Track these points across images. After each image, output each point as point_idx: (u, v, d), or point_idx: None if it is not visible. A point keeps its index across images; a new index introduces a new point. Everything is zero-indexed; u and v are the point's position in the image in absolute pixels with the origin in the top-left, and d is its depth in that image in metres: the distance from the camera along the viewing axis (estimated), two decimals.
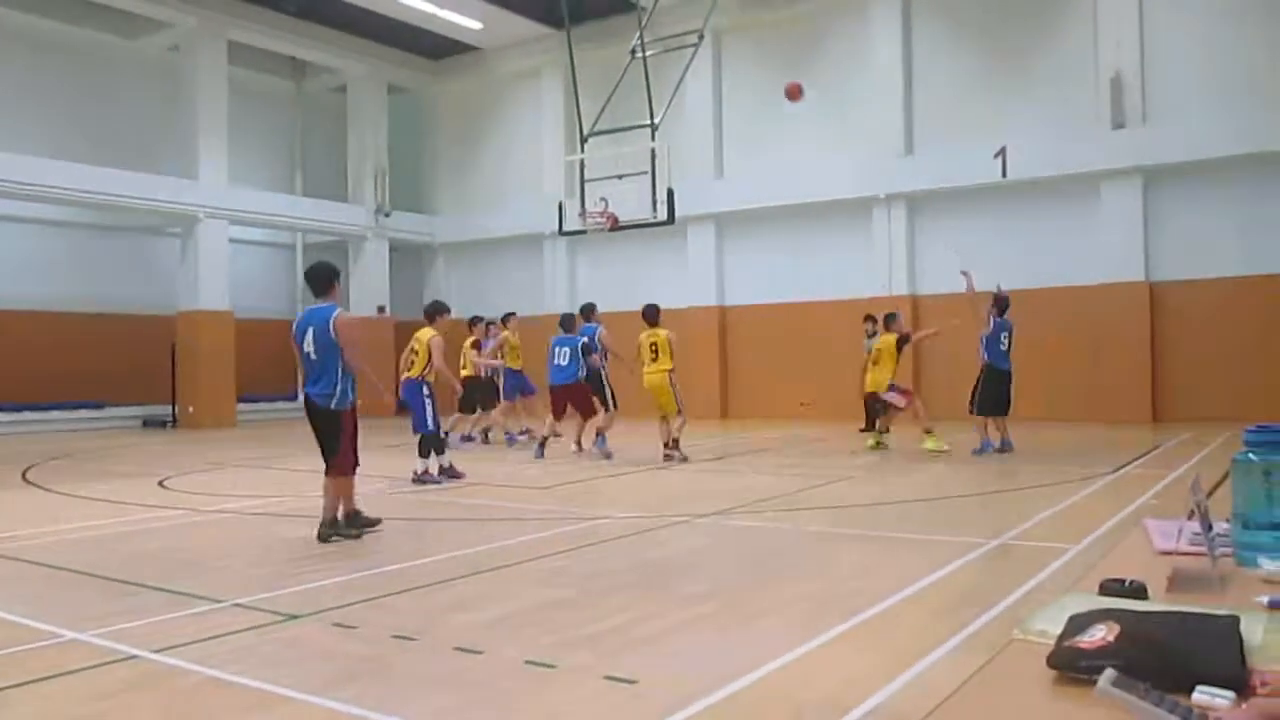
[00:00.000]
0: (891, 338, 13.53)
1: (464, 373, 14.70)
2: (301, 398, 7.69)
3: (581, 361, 12.94)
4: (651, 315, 12.90)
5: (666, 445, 12.46)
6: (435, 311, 11.14)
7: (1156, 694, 0.88)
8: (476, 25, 22.89)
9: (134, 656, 4.32)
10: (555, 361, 13.02)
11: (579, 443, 13.49)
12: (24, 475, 12.11)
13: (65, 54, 21.41)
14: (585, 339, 13.27)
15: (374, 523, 7.66)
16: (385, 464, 13.10)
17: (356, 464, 7.58)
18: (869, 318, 17.29)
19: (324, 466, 7.43)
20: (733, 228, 21.79)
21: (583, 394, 13.02)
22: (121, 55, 22.45)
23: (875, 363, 13.58)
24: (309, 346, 7.36)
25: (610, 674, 3.97)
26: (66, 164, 19.37)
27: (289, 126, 26.07)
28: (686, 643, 4.51)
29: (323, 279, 7.63)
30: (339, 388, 7.38)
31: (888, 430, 13.65)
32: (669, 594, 5.51)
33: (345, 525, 7.44)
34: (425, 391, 10.64)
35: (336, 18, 22.77)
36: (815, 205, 20.44)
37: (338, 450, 7.39)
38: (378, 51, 24.71)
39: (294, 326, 7.62)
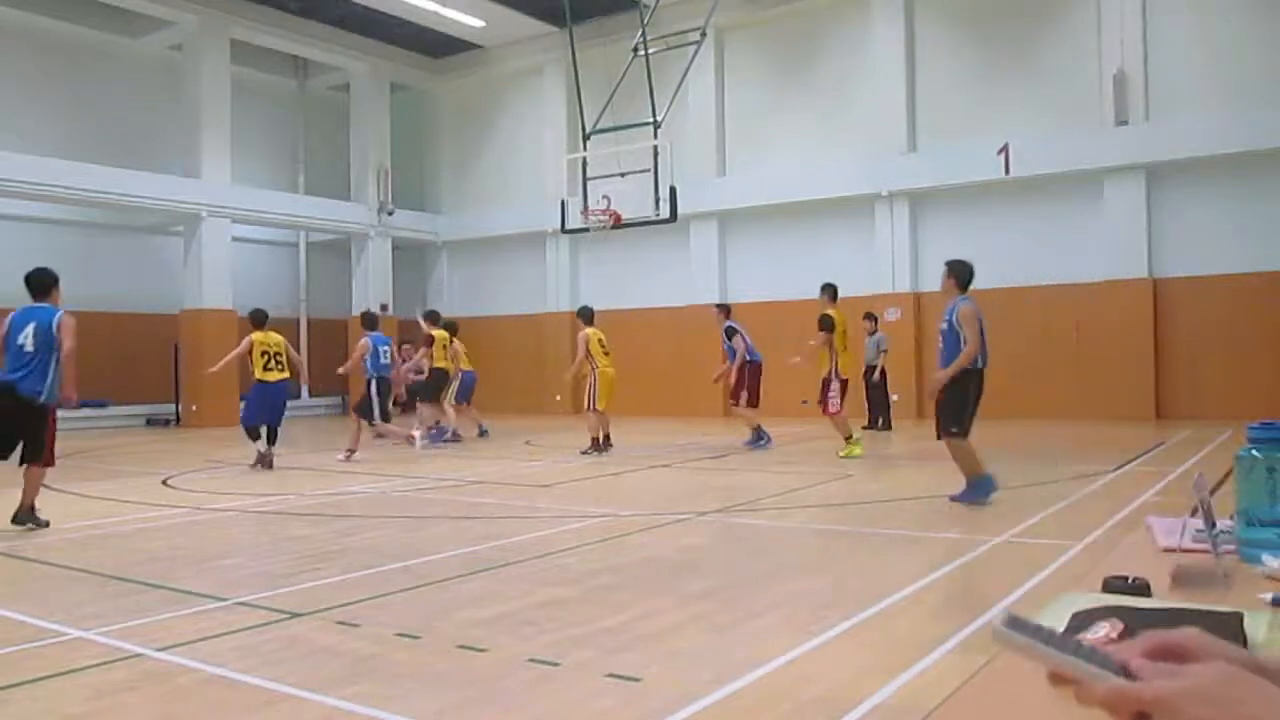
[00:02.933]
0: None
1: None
2: None
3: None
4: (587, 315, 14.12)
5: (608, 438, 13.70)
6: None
7: (1047, 631, 0.87)
8: (479, 23, 22.89)
9: (137, 655, 4.32)
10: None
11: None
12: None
13: (67, 53, 21.41)
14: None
15: (43, 524, 7.89)
16: (383, 464, 13.13)
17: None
18: (869, 315, 17.29)
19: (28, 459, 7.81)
20: (735, 225, 21.78)
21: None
22: (124, 54, 22.46)
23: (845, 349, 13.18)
24: (25, 341, 7.67)
25: (613, 672, 3.97)
26: (69, 163, 19.37)
27: (291, 125, 26.07)
28: (688, 641, 4.51)
29: (44, 284, 8.12)
30: (50, 384, 7.76)
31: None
32: (670, 592, 5.51)
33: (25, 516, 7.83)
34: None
35: (339, 16, 22.78)
36: (817, 203, 20.43)
37: (44, 444, 7.81)
38: (380, 50, 24.72)
39: (7, 322, 7.89)
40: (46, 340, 7.68)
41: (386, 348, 13.96)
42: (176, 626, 4.82)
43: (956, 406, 8.35)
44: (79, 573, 6.21)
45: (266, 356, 12.52)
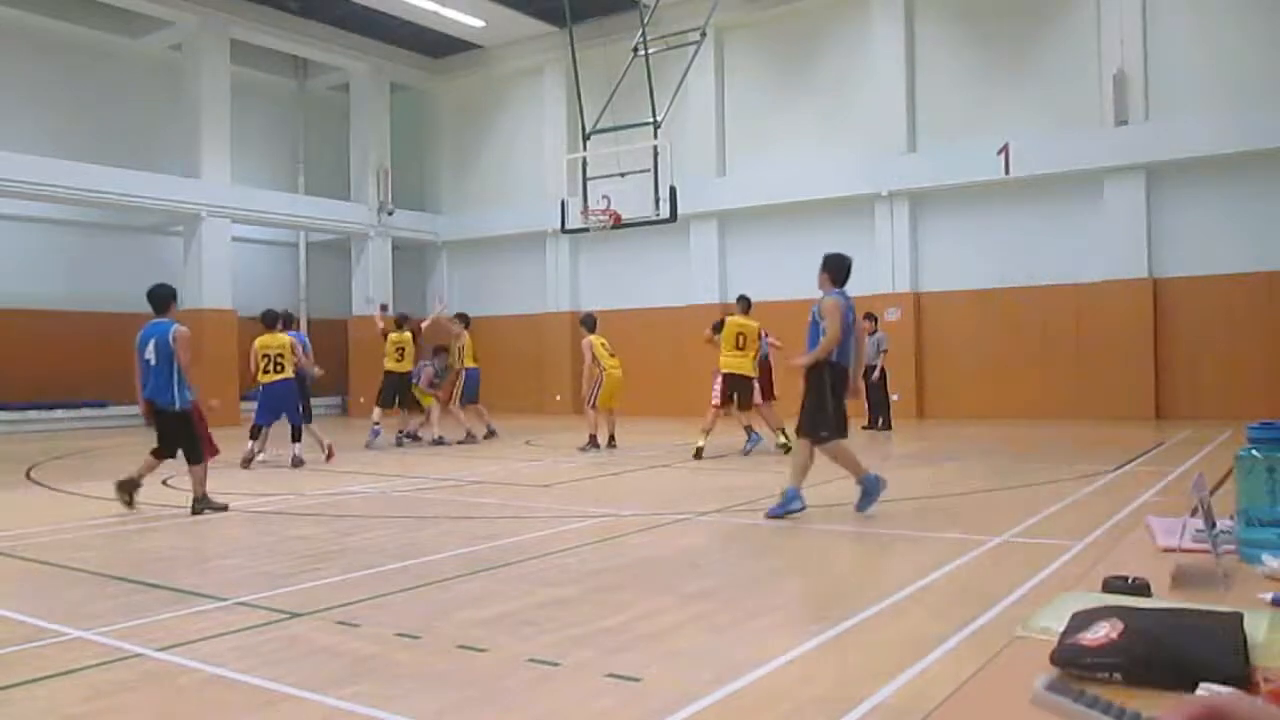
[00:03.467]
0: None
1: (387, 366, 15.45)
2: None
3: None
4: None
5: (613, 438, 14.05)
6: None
7: (1091, 696, 0.87)
8: (479, 23, 22.89)
9: (137, 655, 4.32)
10: None
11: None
12: (28, 474, 12.13)
13: (67, 52, 21.40)
14: None
15: (220, 507, 8.72)
16: (384, 464, 13.14)
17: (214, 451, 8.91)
18: (869, 315, 17.27)
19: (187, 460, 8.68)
20: (735, 225, 21.78)
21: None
22: (124, 54, 22.45)
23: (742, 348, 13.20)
24: (150, 356, 8.47)
25: (613, 672, 3.97)
26: (69, 163, 19.38)
27: (291, 125, 26.06)
28: (688, 641, 4.51)
29: (163, 299, 8.84)
30: (178, 392, 8.54)
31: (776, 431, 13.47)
32: (670, 592, 5.51)
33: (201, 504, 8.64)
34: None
35: (339, 16, 22.78)
36: (817, 203, 20.43)
37: (196, 444, 8.67)
38: (380, 50, 24.71)
39: (138, 338, 8.69)
40: (166, 353, 8.43)
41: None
42: (176, 626, 4.82)
43: (816, 408, 7.88)
44: (79, 573, 6.21)
45: (267, 359, 12.69)
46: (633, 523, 7.92)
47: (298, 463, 12.46)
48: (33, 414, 19.94)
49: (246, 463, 12.38)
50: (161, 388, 8.44)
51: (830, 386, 7.89)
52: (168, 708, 3.75)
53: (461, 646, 4.38)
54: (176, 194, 20.99)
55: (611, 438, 13.83)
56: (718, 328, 13.23)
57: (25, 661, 4.29)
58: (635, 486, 10.48)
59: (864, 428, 16.81)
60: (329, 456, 12.91)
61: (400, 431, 15.64)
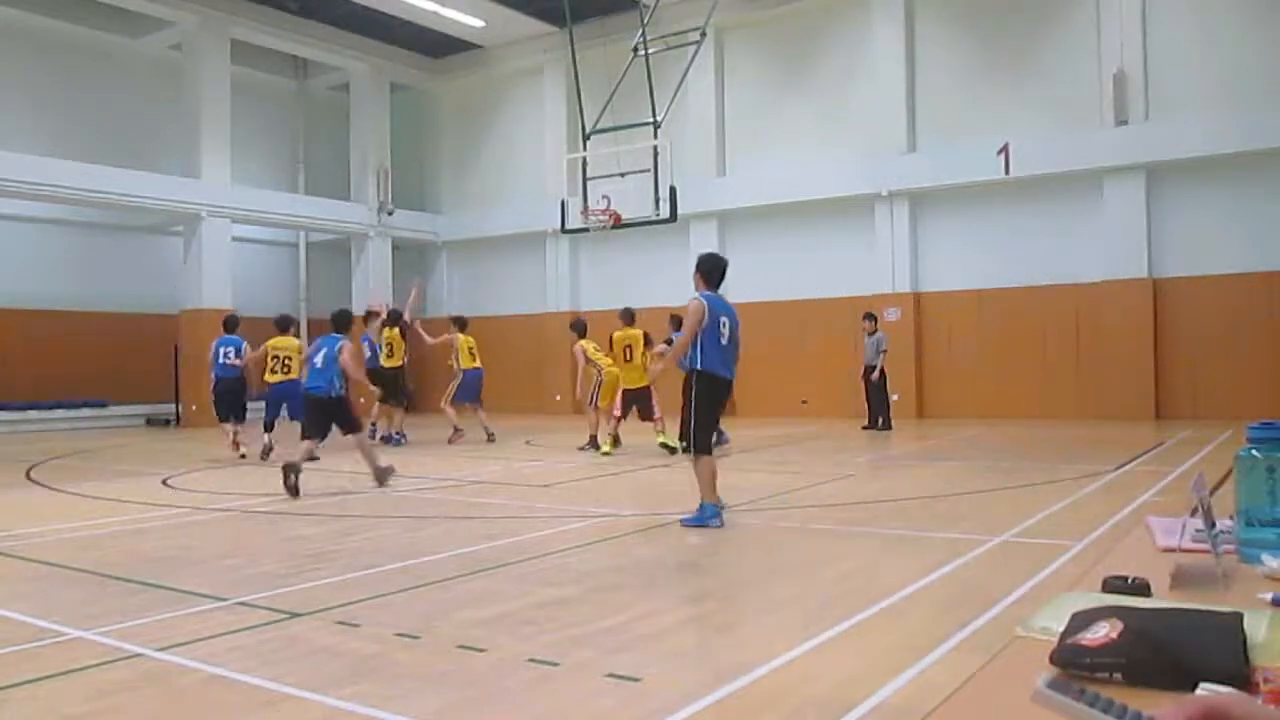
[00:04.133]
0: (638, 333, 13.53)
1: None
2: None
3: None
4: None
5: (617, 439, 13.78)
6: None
7: (1092, 694, 0.87)
8: (479, 23, 22.89)
9: (137, 655, 4.32)
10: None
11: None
12: (28, 474, 12.13)
13: (67, 52, 21.41)
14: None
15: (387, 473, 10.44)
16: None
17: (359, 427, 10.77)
18: (869, 315, 17.30)
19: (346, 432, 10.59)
20: (735, 225, 21.79)
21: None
22: (124, 54, 22.46)
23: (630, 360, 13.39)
24: (318, 360, 10.58)
25: (613, 672, 3.97)
26: (69, 163, 19.38)
27: (291, 125, 26.07)
28: (688, 641, 4.51)
29: (343, 322, 11.39)
30: (334, 383, 10.54)
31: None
32: (670, 592, 5.51)
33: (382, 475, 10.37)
34: None
35: (338, 16, 22.78)
36: (817, 203, 20.44)
37: (350, 418, 10.71)
38: (380, 50, 24.71)
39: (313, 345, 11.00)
40: (332, 360, 10.55)
41: (229, 349, 13.95)
42: (176, 626, 4.82)
43: (685, 419, 7.56)
44: (79, 573, 6.21)
45: (276, 360, 13.51)
46: (633, 523, 7.92)
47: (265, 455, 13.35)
48: (32, 414, 19.94)
49: (266, 453, 13.37)
50: (324, 384, 10.46)
51: (697, 396, 7.48)
52: (168, 708, 3.75)
53: (461, 646, 4.38)
54: (176, 194, 20.99)
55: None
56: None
57: (26, 661, 4.29)
58: (635, 486, 10.48)
59: (864, 427, 16.82)
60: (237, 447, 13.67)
61: (393, 431, 15.66)
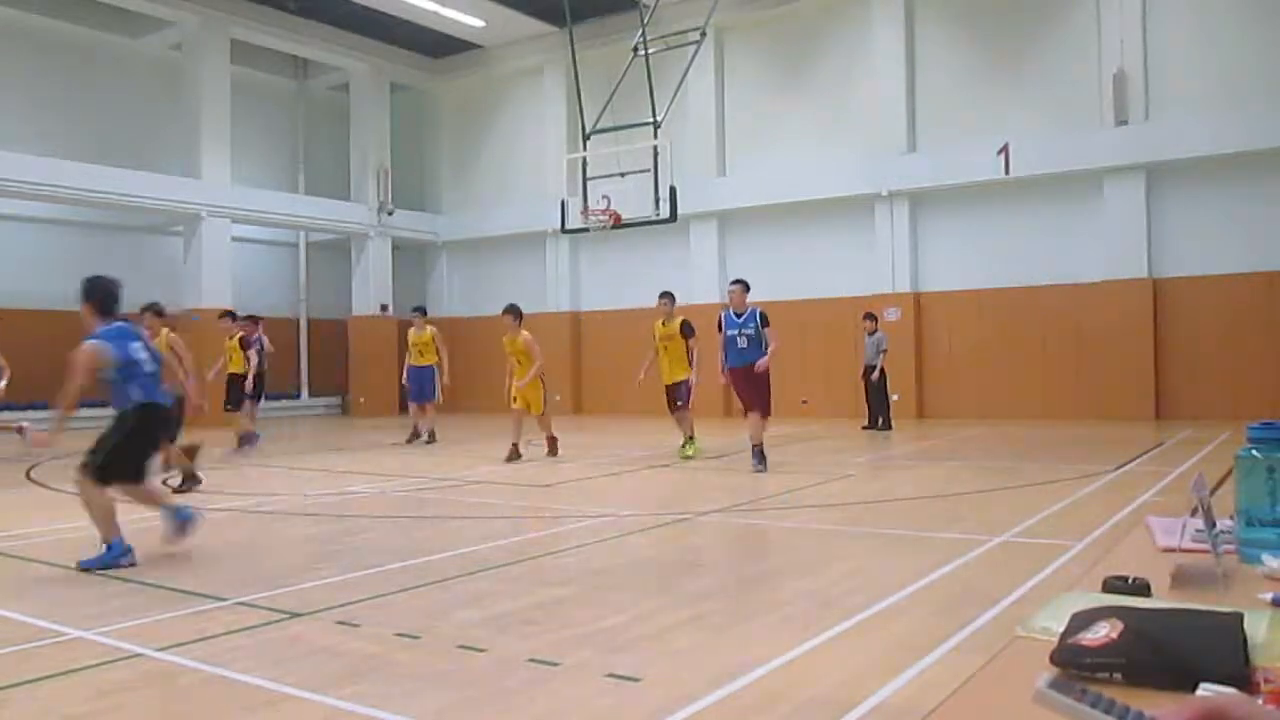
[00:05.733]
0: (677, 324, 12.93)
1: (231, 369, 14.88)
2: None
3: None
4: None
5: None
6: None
7: (1093, 694, 0.87)
8: (479, 23, 22.89)
9: (137, 655, 4.32)
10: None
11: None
12: (28, 474, 12.13)
13: (67, 52, 21.40)
14: None
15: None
16: (383, 464, 13.15)
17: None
18: (869, 315, 17.30)
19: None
20: (735, 225, 21.79)
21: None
22: (124, 54, 22.45)
23: (665, 349, 12.89)
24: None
25: (612, 672, 3.97)
26: (69, 163, 19.36)
27: (291, 125, 26.07)
28: (688, 641, 4.51)
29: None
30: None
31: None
32: (670, 592, 5.51)
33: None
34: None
35: (338, 16, 22.78)
36: (817, 203, 20.45)
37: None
38: (379, 49, 24.71)
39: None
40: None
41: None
42: (176, 626, 4.82)
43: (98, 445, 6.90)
44: (80, 573, 6.21)
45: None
46: (633, 523, 7.92)
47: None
48: (32, 414, 19.89)
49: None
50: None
51: (130, 429, 6.95)
52: (168, 708, 3.76)
53: (461, 646, 4.38)
54: (177, 194, 20.98)
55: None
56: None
57: (26, 661, 4.29)
58: (635, 487, 10.48)
59: (864, 427, 16.83)
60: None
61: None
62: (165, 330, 11.48)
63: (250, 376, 14.39)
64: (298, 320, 25.64)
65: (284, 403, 23.91)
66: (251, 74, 24.16)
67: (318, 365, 25.78)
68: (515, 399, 12.81)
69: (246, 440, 14.36)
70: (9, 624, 4.94)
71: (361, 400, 24.59)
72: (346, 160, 25.37)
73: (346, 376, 25.18)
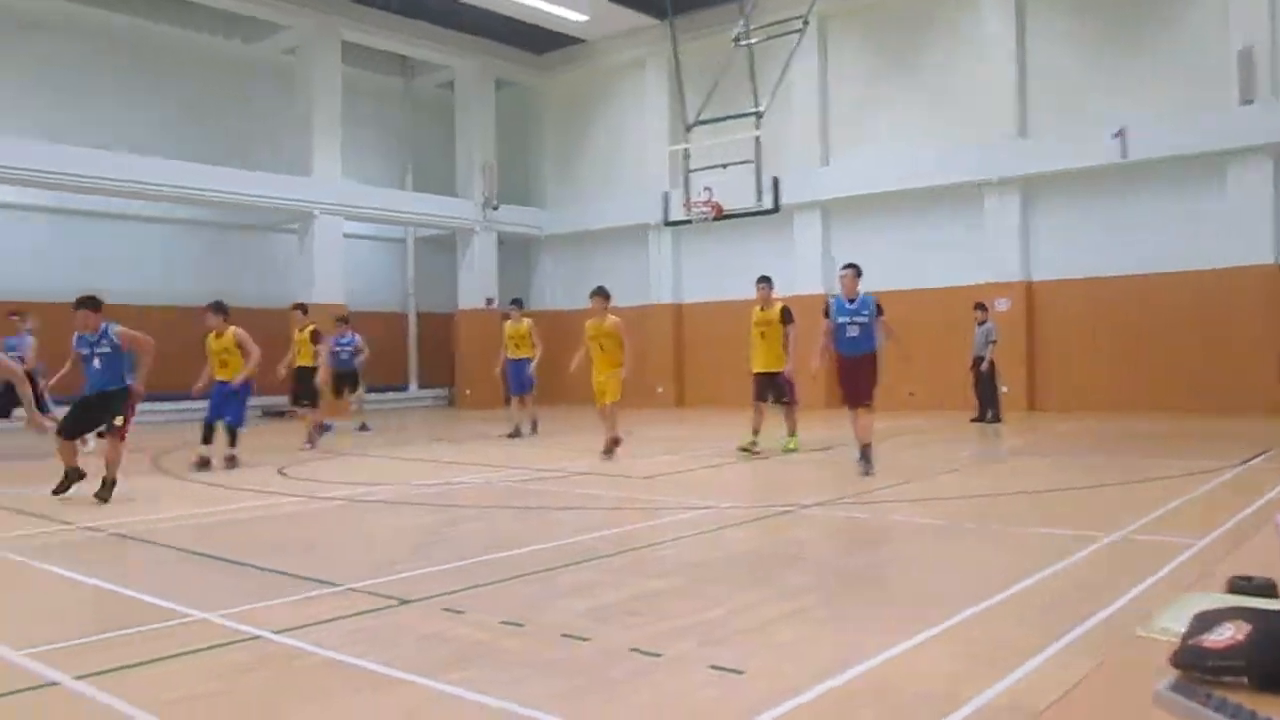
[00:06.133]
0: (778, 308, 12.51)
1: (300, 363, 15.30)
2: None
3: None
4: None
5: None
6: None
7: (1219, 698, 0.83)
8: (582, 18, 23.04)
9: (255, 637, 4.48)
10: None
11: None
12: (156, 462, 12.66)
13: (188, 59, 22.27)
14: None
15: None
16: (488, 455, 13.35)
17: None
18: (978, 305, 16.91)
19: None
20: (839, 215, 21.52)
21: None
22: (241, 59, 23.25)
23: (763, 336, 12.48)
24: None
25: (715, 664, 3.96)
26: (193, 165, 20.16)
27: (399, 123, 26.66)
28: (790, 634, 4.48)
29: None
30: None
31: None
32: (773, 585, 5.48)
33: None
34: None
35: (444, 15, 23.19)
36: (924, 190, 20.04)
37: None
38: (484, 47, 25.09)
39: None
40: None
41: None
42: (292, 611, 4.98)
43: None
44: (202, 557, 6.47)
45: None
46: (733, 515, 7.90)
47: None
48: (164, 405, 20.75)
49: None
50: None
51: None
52: (285, 689, 3.89)
53: (565, 635, 4.43)
54: (291, 193, 21.69)
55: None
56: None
57: (154, 641, 4.49)
58: (736, 479, 10.45)
59: (972, 420, 16.48)
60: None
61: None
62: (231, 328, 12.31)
63: (319, 371, 14.80)
64: (406, 314, 26.25)
65: (392, 395, 24.50)
66: (361, 74, 24.77)
67: (425, 358, 26.35)
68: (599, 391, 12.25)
69: (318, 431, 14.80)
70: (139, 605, 5.17)
71: (468, 392, 25.04)
72: (453, 157, 25.84)
73: (453, 369, 25.69)
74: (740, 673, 3.87)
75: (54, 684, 3.88)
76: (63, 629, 4.74)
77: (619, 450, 12.11)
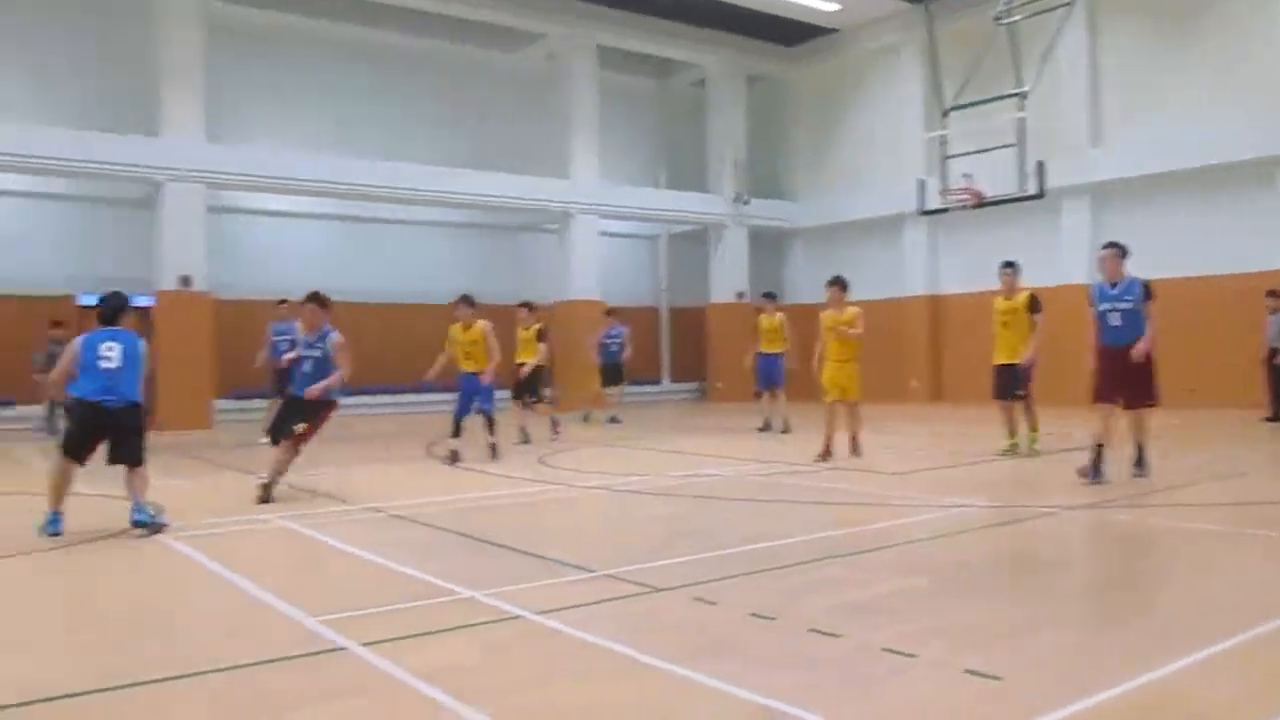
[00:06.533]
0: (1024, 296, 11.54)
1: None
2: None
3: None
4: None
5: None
6: None
7: None
8: (834, 7, 22.72)
9: (518, 616, 4.73)
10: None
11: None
12: (428, 449, 13.56)
13: (455, 71, 23.67)
14: None
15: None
16: (738, 448, 13.41)
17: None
18: (1271, 293, 15.42)
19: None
20: (1112, 199, 20.11)
21: None
22: (502, 68, 24.45)
23: (1006, 326, 11.56)
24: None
25: (971, 668, 3.83)
26: (457, 170, 21.46)
27: (653, 122, 27.27)
28: (1052, 642, 4.26)
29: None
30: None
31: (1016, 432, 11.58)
32: (1034, 589, 5.23)
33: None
34: None
35: (697, 13, 23.50)
36: (1208, 170, 18.37)
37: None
38: (736, 43, 25.22)
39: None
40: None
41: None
42: (551, 593, 5.22)
43: None
44: (467, 539, 6.89)
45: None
46: (992, 514, 7.59)
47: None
48: (435, 397, 22.15)
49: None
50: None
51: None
52: (544, 667, 4.08)
53: (814, 630, 4.41)
54: (549, 194, 22.72)
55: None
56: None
57: (427, 615, 4.83)
58: (997, 477, 10.01)
59: (1265, 419, 15.06)
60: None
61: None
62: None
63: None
64: (658, 309, 26.82)
65: (645, 388, 25.10)
66: (615, 77, 25.48)
67: (678, 352, 26.82)
68: (829, 387, 11.63)
69: (554, 427, 15.20)
70: (414, 581, 5.57)
71: (719, 385, 25.28)
72: (704, 153, 26.15)
73: (705, 362, 26.02)
74: (998, 679, 3.72)
75: (343, 649, 4.25)
76: (350, 600, 5.18)
77: (862, 446, 11.70)
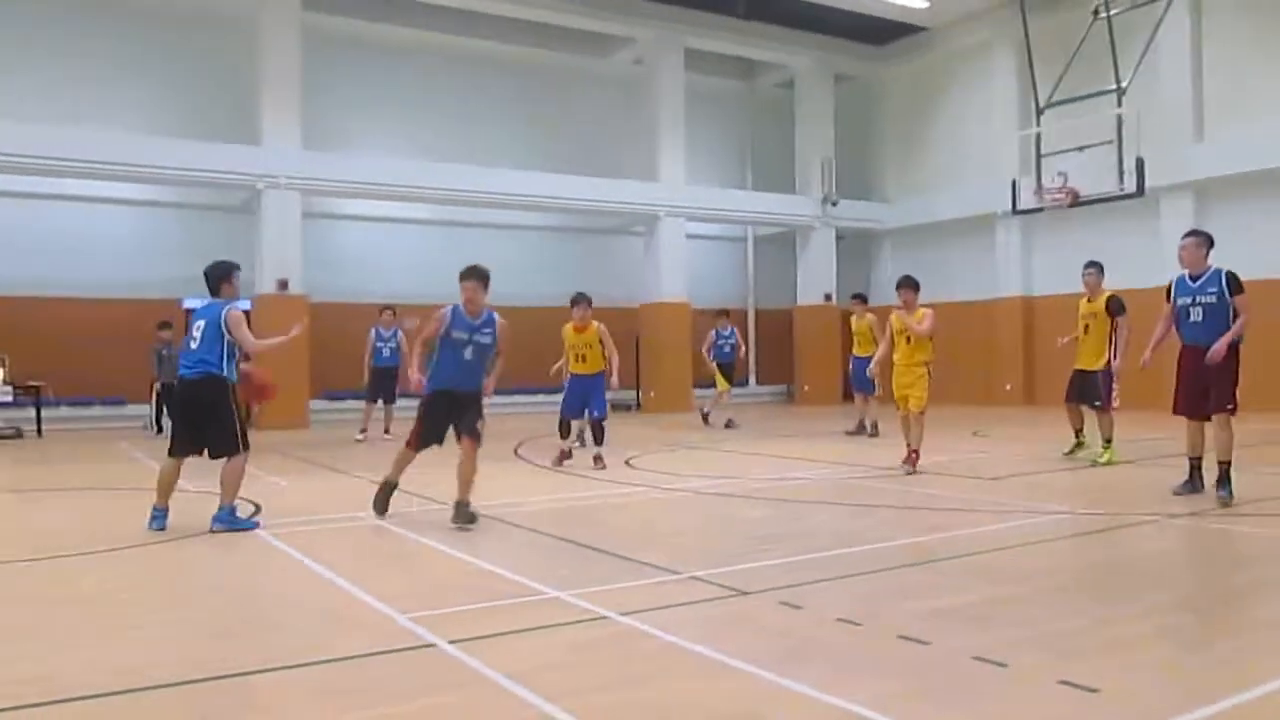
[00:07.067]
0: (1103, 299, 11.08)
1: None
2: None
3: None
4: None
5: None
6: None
7: None
8: (923, 4, 22.38)
9: (604, 617, 4.76)
10: None
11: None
12: (515, 450, 13.71)
13: (545, 77, 23.96)
14: None
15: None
16: (826, 451, 13.29)
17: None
18: None
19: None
20: (1216, 196, 19.39)
21: None
22: (592, 73, 24.66)
23: (1087, 329, 11.14)
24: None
25: (1066, 679, 3.74)
26: (547, 175, 21.72)
27: (740, 124, 27.17)
28: (1151, 655, 4.14)
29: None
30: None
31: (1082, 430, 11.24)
32: (1130, 600, 5.08)
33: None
34: None
35: (785, 14, 23.36)
36: None
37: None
38: (824, 43, 25.02)
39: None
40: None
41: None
42: (637, 595, 5.24)
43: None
44: (555, 540, 6.95)
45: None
46: (1090, 522, 7.40)
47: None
48: (522, 398, 22.44)
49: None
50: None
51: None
52: (628, 668, 4.10)
53: (903, 637, 4.35)
54: (638, 197, 22.84)
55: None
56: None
57: (515, 613, 4.89)
58: (1094, 482, 9.75)
59: None
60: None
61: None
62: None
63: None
64: (745, 311, 26.71)
65: (733, 390, 24.95)
66: (703, 79, 25.45)
67: (765, 354, 26.67)
68: (896, 396, 10.96)
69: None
70: (502, 580, 5.64)
71: (806, 388, 25.08)
72: (792, 155, 25.98)
73: (791, 365, 25.84)
74: (1095, 691, 3.63)
75: (432, 645, 4.33)
76: (441, 598, 5.26)
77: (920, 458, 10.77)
